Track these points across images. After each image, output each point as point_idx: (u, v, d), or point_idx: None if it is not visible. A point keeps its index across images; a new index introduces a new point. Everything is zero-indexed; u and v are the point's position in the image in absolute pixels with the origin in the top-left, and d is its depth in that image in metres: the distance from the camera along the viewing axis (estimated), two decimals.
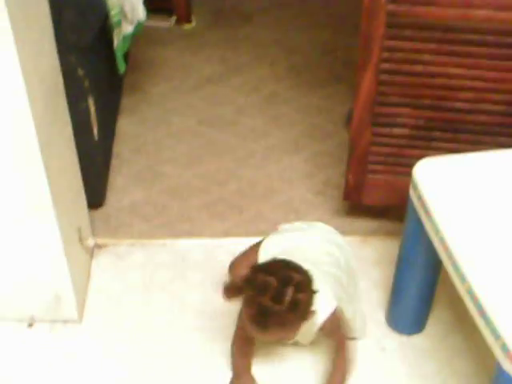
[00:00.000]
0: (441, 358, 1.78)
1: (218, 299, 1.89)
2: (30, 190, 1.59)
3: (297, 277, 1.45)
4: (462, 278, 1.34)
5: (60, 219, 1.67)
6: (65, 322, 1.85)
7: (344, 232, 2.09)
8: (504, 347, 1.23)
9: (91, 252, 2.03)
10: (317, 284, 1.51)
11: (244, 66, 2.86)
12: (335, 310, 1.59)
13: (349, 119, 2.47)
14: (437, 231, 1.45)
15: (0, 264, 1.75)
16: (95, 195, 2.14)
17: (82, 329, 1.85)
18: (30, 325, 1.85)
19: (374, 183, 1.99)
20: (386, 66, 1.74)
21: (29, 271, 1.76)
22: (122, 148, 2.45)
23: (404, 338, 1.83)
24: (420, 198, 1.52)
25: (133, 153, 2.43)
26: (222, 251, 2.05)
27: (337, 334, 1.65)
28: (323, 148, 2.46)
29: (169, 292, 1.94)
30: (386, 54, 1.72)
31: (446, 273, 1.52)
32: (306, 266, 1.52)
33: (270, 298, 1.40)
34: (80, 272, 1.90)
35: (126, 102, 2.64)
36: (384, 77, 1.77)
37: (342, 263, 1.75)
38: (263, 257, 1.67)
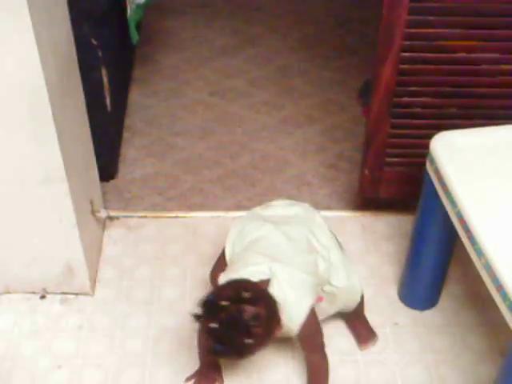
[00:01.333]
0: (453, 333, 1.77)
1: None
2: (43, 159, 1.58)
3: (246, 314, 1.36)
4: (479, 252, 1.32)
5: (73, 190, 1.66)
6: (76, 294, 1.85)
7: (356, 207, 2.09)
8: None
9: (103, 224, 2.02)
10: (281, 292, 1.45)
11: (257, 38, 2.83)
12: (308, 314, 1.48)
13: (362, 92, 2.45)
14: (453, 204, 1.44)
15: (12, 236, 1.74)
16: (107, 167, 2.14)
17: (94, 301, 1.85)
18: (43, 296, 1.85)
19: (392, 176, 1.95)
20: (406, 55, 1.69)
21: (41, 243, 1.76)
22: (133, 120, 2.43)
23: (417, 313, 1.82)
24: (436, 171, 1.51)
25: (145, 124, 2.42)
26: None
27: (314, 342, 1.57)
28: (336, 121, 2.44)
29: (180, 265, 1.94)
30: (407, 43, 1.67)
31: (459, 248, 1.52)
32: (269, 265, 1.47)
33: (216, 342, 1.38)
34: (92, 244, 1.90)
35: (137, 73, 2.62)
36: (404, 66, 1.71)
37: (322, 241, 1.62)
38: (228, 255, 1.63)
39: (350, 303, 1.68)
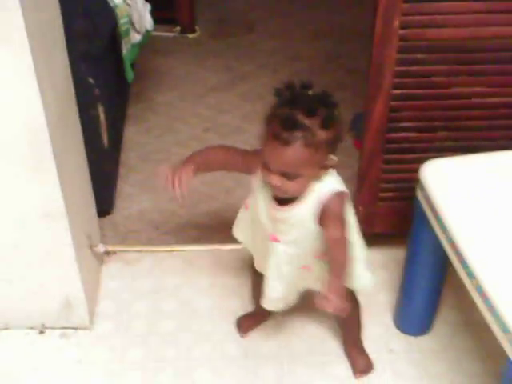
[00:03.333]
0: (448, 358, 1.80)
1: (227, 305, 1.93)
2: (44, 196, 1.61)
3: (332, 103, 1.36)
4: (470, 275, 1.36)
5: (72, 225, 1.69)
6: (75, 328, 1.87)
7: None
8: None
9: (101, 259, 2.05)
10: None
11: (248, 74, 2.90)
12: (344, 192, 1.46)
13: (352, 125, 2.51)
14: (443, 228, 1.48)
15: (12, 271, 1.77)
16: (104, 203, 2.17)
17: (93, 335, 1.87)
18: (41, 332, 1.87)
19: (386, 211, 1.97)
20: (397, 92, 1.74)
21: (40, 278, 1.78)
22: (129, 156, 2.48)
23: (411, 339, 1.84)
24: (427, 197, 1.55)
25: (140, 160, 2.46)
26: (230, 257, 2.07)
27: (339, 222, 1.44)
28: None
29: (177, 297, 1.96)
30: (397, 80, 1.72)
31: (451, 274, 1.56)
32: None
33: (303, 112, 1.31)
34: (91, 279, 1.92)
35: (132, 110, 2.68)
36: (395, 103, 1.76)
37: None
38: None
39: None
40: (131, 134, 2.58)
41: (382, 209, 1.96)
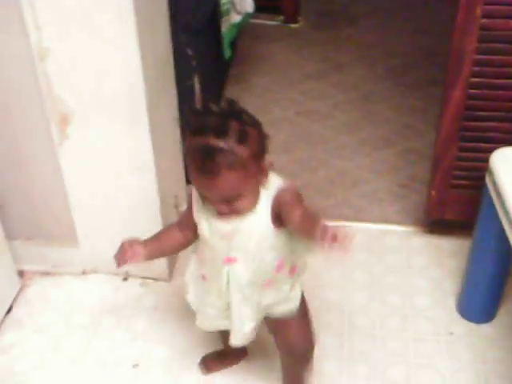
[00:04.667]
0: (507, 347, 1.82)
1: None
2: (136, 150, 1.77)
3: (239, 109, 1.25)
4: None
5: (159, 181, 1.84)
6: (155, 279, 2.03)
7: (424, 225, 2.18)
8: None
9: None
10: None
11: (344, 65, 2.99)
12: (291, 183, 1.35)
13: None
14: (509, 218, 1.52)
15: (104, 220, 1.94)
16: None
17: (170, 287, 2.02)
18: (125, 279, 2.04)
19: (458, 198, 2.01)
20: (476, 80, 1.78)
21: (127, 228, 1.92)
22: None
23: (473, 326, 1.88)
24: (495, 185, 1.60)
25: None
26: None
27: (299, 207, 1.30)
28: (413, 145, 2.55)
29: None
30: (476, 69, 1.76)
31: None
32: None
33: (214, 134, 1.19)
34: None
35: (229, 90, 2.82)
36: (474, 91, 1.80)
37: None
38: None
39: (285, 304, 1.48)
40: None
41: (454, 196, 2.00)
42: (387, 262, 2.08)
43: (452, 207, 2.03)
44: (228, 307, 1.44)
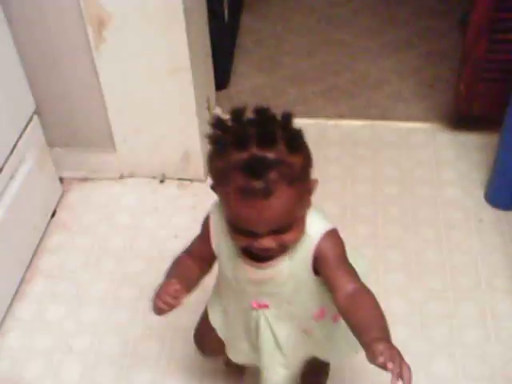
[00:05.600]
0: None
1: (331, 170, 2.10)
2: (173, 52, 1.81)
3: (275, 115, 1.02)
4: None
5: (195, 82, 1.88)
6: (191, 180, 2.09)
7: (450, 122, 2.22)
8: None
9: None
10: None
11: None
12: (334, 229, 1.11)
13: (463, 19, 2.56)
14: None
15: (140, 122, 1.99)
16: (221, 77, 2.35)
17: (207, 187, 2.06)
18: (162, 181, 2.10)
19: (487, 92, 2.03)
20: None
21: (164, 131, 1.99)
22: (244, 40, 2.65)
23: (501, 213, 1.95)
24: None
25: (255, 44, 2.63)
26: (335, 131, 2.23)
27: (346, 267, 1.09)
28: (435, 47, 2.57)
29: None
30: None
31: None
32: None
33: (259, 146, 0.96)
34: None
35: (249, 0, 2.82)
36: None
37: None
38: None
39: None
40: (247, 21, 2.74)
41: (483, 89, 2.04)
42: (415, 157, 2.14)
43: (480, 101, 2.07)
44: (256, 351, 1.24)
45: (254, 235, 1.00)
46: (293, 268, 1.09)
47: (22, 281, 1.83)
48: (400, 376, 0.91)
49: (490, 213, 1.96)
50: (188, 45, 1.79)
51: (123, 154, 2.07)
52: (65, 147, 2.09)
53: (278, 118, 1.01)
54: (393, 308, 1.71)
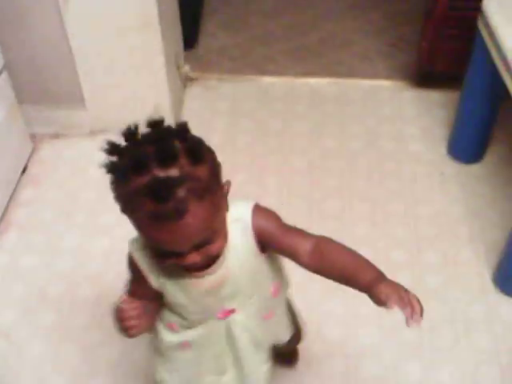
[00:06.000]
0: (494, 183, 1.97)
1: (297, 125, 2.15)
2: (140, 6, 1.83)
3: (170, 128, 0.94)
4: None
5: (163, 37, 1.91)
6: None
7: (413, 80, 2.28)
8: None
9: (184, 82, 2.27)
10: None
11: None
12: (256, 203, 1.06)
13: None
14: (499, 49, 1.62)
15: (111, 78, 2.01)
16: (188, 37, 2.37)
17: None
18: None
19: (448, 49, 2.09)
20: None
21: (135, 86, 2.02)
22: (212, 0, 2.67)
23: (462, 166, 2.02)
24: (487, 26, 1.70)
25: (222, 3, 2.65)
26: (303, 89, 2.28)
27: (285, 227, 1.06)
28: (399, 8, 2.62)
29: (252, 118, 2.18)
30: None
31: (504, 111, 1.69)
32: None
33: (159, 165, 0.88)
34: (176, 95, 2.15)
35: None
36: None
37: None
38: None
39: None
40: None
41: (445, 47, 2.10)
42: (380, 113, 2.20)
43: (443, 58, 2.14)
44: (233, 363, 1.20)
45: (179, 254, 0.95)
46: (240, 256, 1.04)
47: None
48: (412, 313, 0.93)
49: (451, 166, 2.03)
50: (156, 1, 1.81)
51: (93, 111, 2.09)
52: (35, 104, 2.10)
53: (174, 129, 0.93)
54: None
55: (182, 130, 0.93)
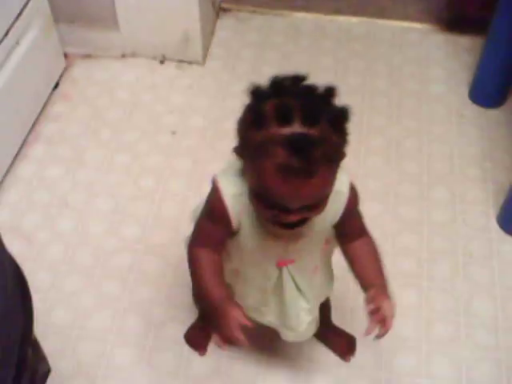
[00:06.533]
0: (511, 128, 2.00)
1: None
2: None
3: (315, 87, 0.95)
4: None
5: None
6: (190, 62, 2.18)
7: (445, 21, 2.28)
8: None
9: (217, 12, 2.32)
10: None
11: None
12: (352, 182, 1.11)
13: None
14: None
15: (140, 4, 2.05)
16: None
17: (204, 69, 2.17)
18: (162, 62, 2.19)
19: None
20: None
21: (164, 11, 2.06)
22: None
23: (482, 110, 2.04)
24: None
25: None
26: (332, 26, 2.30)
27: (358, 212, 1.15)
28: None
29: (279, 51, 2.22)
30: None
31: None
32: None
33: (302, 122, 0.89)
34: (207, 24, 2.20)
35: None
36: None
37: None
38: None
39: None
40: None
41: None
42: (406, 55, 2.22)
43: (474, 2, 2.13)
44: (277, 302, 1.24)
45: (283, 209, 0.96)
46: (321, 222, 1.08)
47: (24, 144, 1.94)
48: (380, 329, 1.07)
49: (471, 109, 2.05)
50: None
51: (126, 33, 2.15)
52: (70, 23, 2.17)
53: (321, 90, 0.94)
54: (370, 187, 1.83)
55: (329, 94, 0.94)
